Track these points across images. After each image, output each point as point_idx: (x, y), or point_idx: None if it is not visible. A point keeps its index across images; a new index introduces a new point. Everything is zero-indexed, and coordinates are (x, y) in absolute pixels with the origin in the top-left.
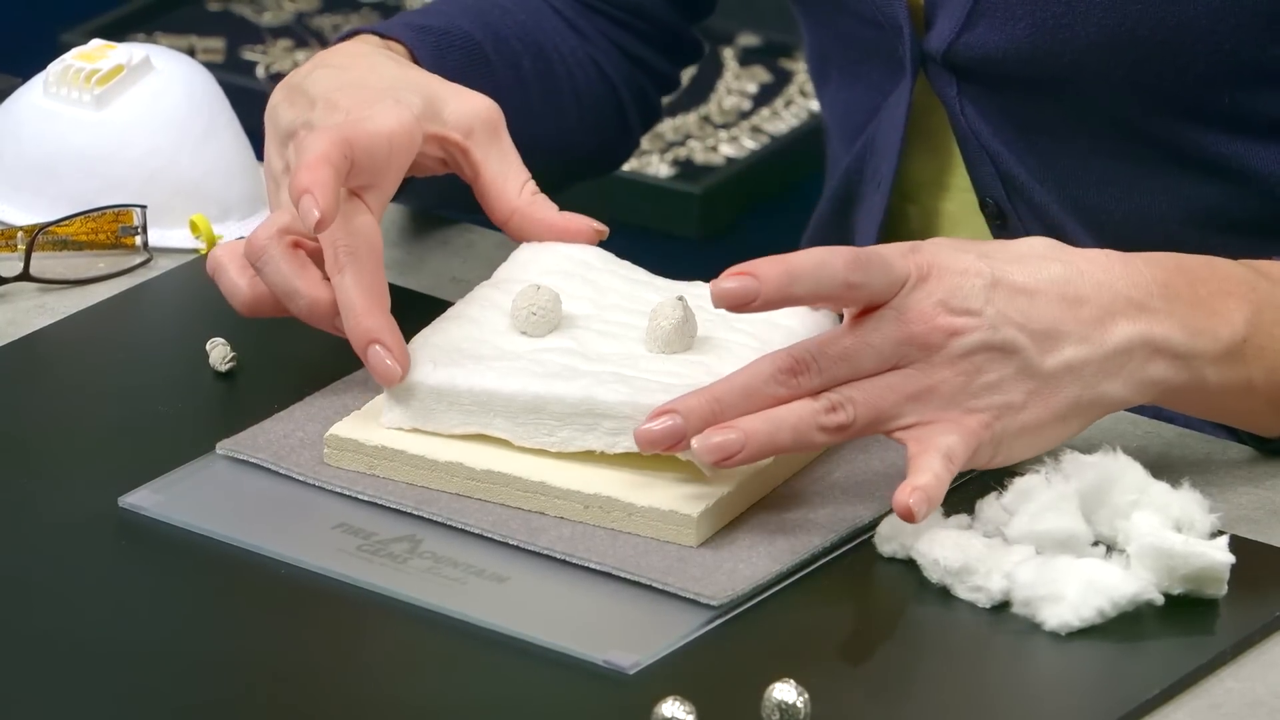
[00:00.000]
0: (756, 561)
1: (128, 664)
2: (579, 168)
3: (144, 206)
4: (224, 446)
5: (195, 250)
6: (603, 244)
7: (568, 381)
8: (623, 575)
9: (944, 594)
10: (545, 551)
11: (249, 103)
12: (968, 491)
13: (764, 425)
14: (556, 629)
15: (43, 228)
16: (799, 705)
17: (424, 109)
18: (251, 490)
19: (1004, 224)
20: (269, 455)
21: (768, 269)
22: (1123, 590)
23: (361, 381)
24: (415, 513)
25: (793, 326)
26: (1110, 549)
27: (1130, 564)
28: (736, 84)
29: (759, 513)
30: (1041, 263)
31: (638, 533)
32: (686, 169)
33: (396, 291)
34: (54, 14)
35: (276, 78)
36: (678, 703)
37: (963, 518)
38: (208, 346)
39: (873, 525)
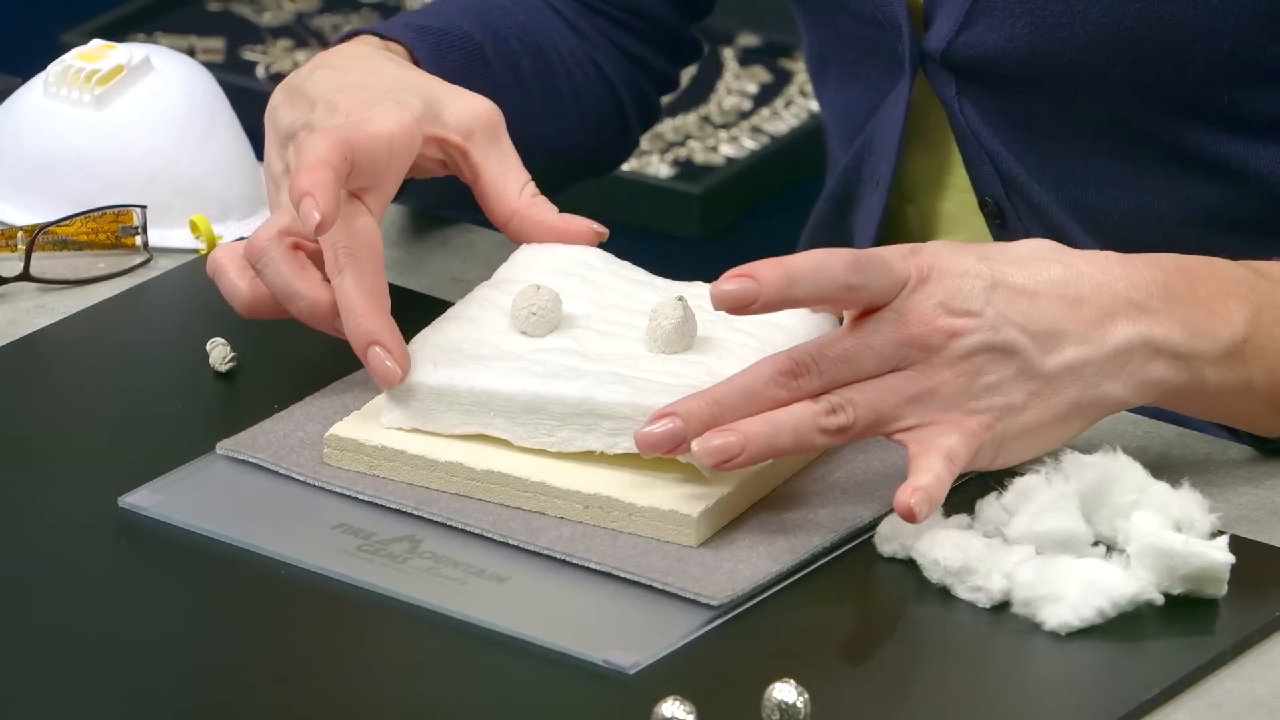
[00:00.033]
0: (756, 561)
1: (128, 664)
2: (578, 168)
3: (144, 206)
4: (224, 446)
5: (195, 250)
6: (603, 244)
7: (568, 382)
8: (623, 575)
9: (944, 594)
10: (545, 551)
11: (249, 103)
12: (968, 491)
13: (764, 428)
14: (556, 629)
15: (43, 228)
16: (799, 705)
17: (424, 111)
18: (251, 490)
19: (1003, 223)
20: (269, 455)
21: (767, 271)
22: (1123, 590)
23: (361, 381)
24: (415, 513)
25: (793, 326)
26: (1110, 549)
27: (1130, 564)
28: (736, 84)
29: (759, 513)
30: (1041, 264)
31: (638, 533)
32: (686, 169)
33: (396, 291)
34: (54, 14)
35: (276, 78)
36: (678, 703)
37: (963, 518)
38: (208, 346)
39: (873, 525)
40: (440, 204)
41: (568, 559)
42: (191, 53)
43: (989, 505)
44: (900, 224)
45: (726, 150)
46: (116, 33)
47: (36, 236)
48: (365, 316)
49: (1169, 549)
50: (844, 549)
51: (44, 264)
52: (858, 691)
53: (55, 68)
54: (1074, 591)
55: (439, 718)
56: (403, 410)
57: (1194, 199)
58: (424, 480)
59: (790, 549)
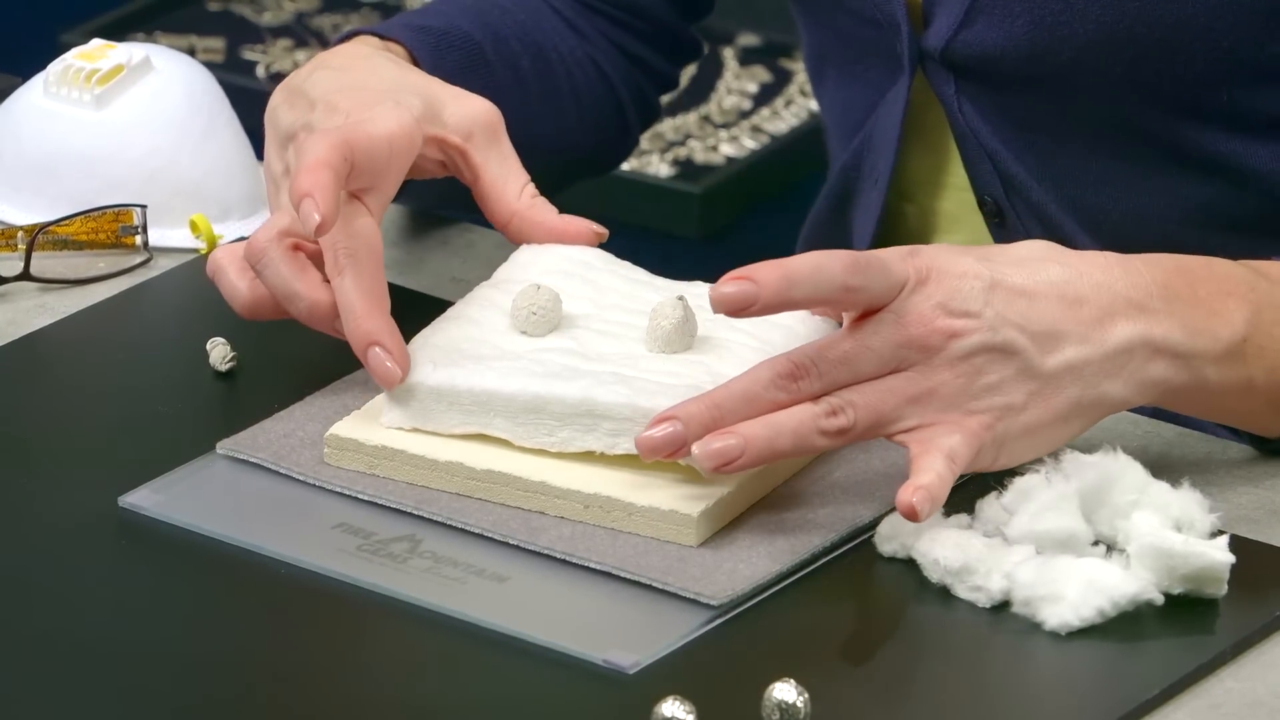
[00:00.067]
0: (756, 561)
1: (128, 664)
2: (578, 167)
3: (144, 206)
4: (224, 446)
5: (195, 250)
6: (603, 244)
7: (568, 382)
8: (623, 575)
9: (944, 594)
10: (545, 551)
11: (249, 103)
12: (968, 491)
13: (764, 430)
14: (556, 629)
15: (43, 227)
16: (799, 705)
17: (424, 111)
18: (251, 490)
19: (1002, 222)
20: (269, 455)
21: (766, 273)
22: (1123, 590)
23: (361, 381)
24: (415, 512)
25: (793, 326)
26: (1110, 549)
27: (1130, 564)
28: (736, 84)
29: (759, 513)
30: (1040, 265)
31: (638, 532)
32: (686, 169)
33: (396, 291)
34: (54, 14)
35: (276, 78)
36: (678, 703)
37: (963, 518)
38: (208, 346)
39: (873, 525)
40: (440, 204)
41: (568, 559)
42: (191, 52)
43: (989, 505)
44: (899, 223)
45: (726, 150)
46: (116, 32)
47: (36, 236)
48: (365, 317)
49: (1169, 549)
50: (844, 549)
51: (44, 264)
52: (858, 691)
53: (55, 67)
54: (1074, 591)
55: (439, 718)
56: (403, 410)
57: (1193, 198)
58: (424, 480)
59: (790, 549)
